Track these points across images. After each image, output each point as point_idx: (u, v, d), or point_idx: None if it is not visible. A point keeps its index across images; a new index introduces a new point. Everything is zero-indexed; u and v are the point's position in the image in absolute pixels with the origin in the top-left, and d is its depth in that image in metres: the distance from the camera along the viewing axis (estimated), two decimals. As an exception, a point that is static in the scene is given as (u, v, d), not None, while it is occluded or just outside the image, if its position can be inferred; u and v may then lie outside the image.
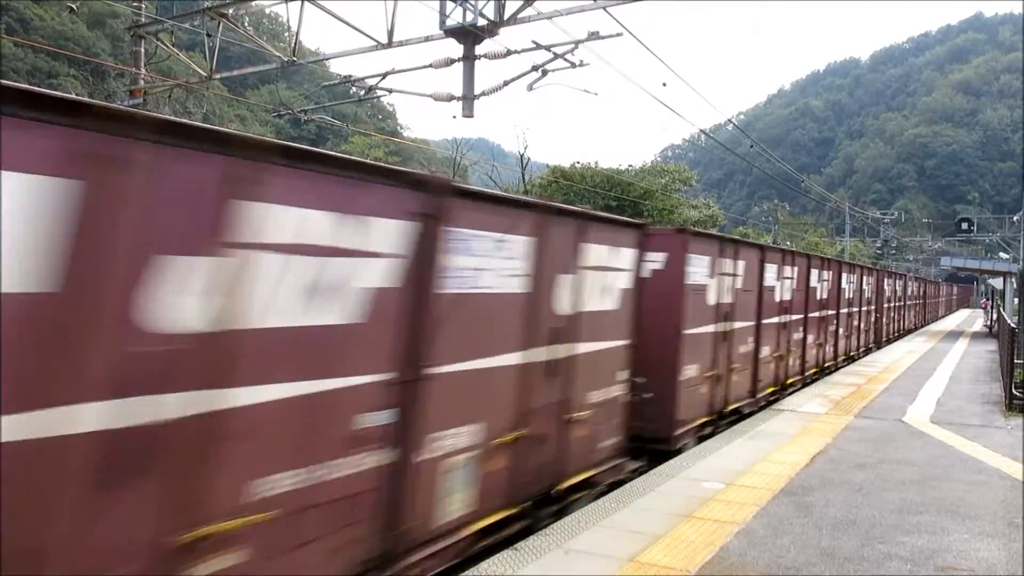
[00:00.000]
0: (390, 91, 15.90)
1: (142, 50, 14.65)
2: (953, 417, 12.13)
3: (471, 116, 12.87)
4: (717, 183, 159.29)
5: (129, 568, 3.17)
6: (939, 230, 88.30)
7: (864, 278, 22.57)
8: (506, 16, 11.98)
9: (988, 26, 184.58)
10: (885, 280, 26.70)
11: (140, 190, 3.12)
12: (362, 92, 16.36)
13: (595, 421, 7.28)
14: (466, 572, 5.27)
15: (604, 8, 11.71)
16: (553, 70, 13.86)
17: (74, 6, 17.87)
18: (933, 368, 19.39)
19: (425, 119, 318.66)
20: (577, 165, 38.76)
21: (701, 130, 32.11)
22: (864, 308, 22.70)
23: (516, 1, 11.89)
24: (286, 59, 14.71)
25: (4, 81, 2.72)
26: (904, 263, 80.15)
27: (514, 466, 6.01)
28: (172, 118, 3.39)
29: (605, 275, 7.41)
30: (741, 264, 11.74)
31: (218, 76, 15.77)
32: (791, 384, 14.77)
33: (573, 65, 13.67)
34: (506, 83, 13.84)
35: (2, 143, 2.68)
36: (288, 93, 62.10)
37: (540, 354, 6.28)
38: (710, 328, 10.57)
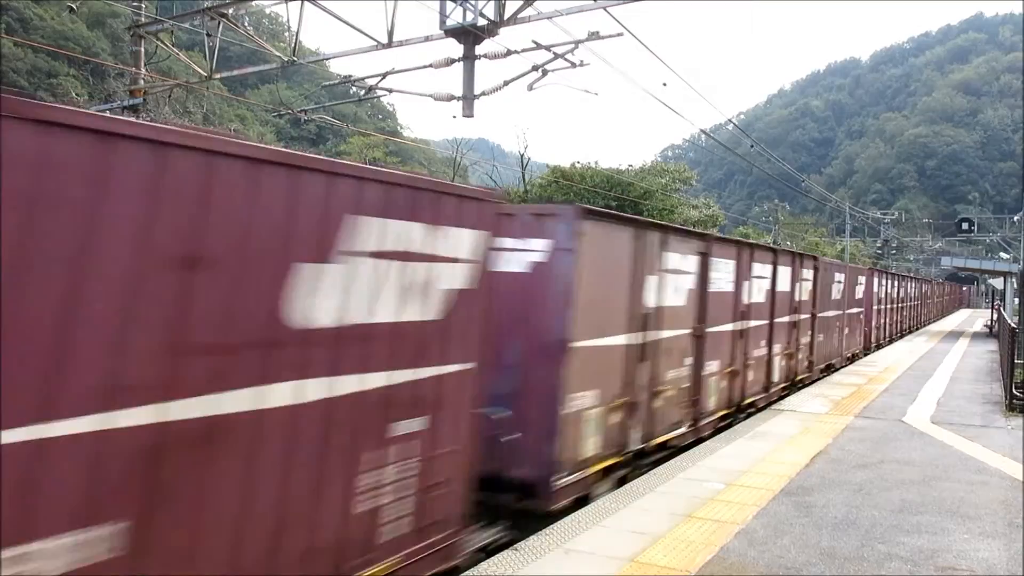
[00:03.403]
0: (390, 91, 15.89)
1: (142, 50, 14.63)
2: (953, 417, 12.13)
3: (471, 116, 12.86)
4: (717, 183, 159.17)
5: None
6: (939, 230, 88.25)
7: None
8: (506, 16, 11.96)
9: (988, 26, 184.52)
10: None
11: None
12: (362, 92, 16.35)
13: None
14: (467, 572, 5.27)
15: (604, 8, 11.70)
16: (553, 70, 13.84)
17: (74, 6, 17.87)
18: (933, 368, 19.37)
19: (425, 119, 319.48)
20: (577, 165, 38.75)
21: (701, 130, 32.05)
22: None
23: (516, 1, 11.87)
24: (286, 59, 14.69)
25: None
26: (904, 263, 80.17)
27: None
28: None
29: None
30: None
31: (218, 76, 15.75)
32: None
33: (573, 65, 13.65)
34: (506, 83, 13.83)
35: None
36: (288, 93, 62.09)
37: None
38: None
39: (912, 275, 46.35)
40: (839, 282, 18.01)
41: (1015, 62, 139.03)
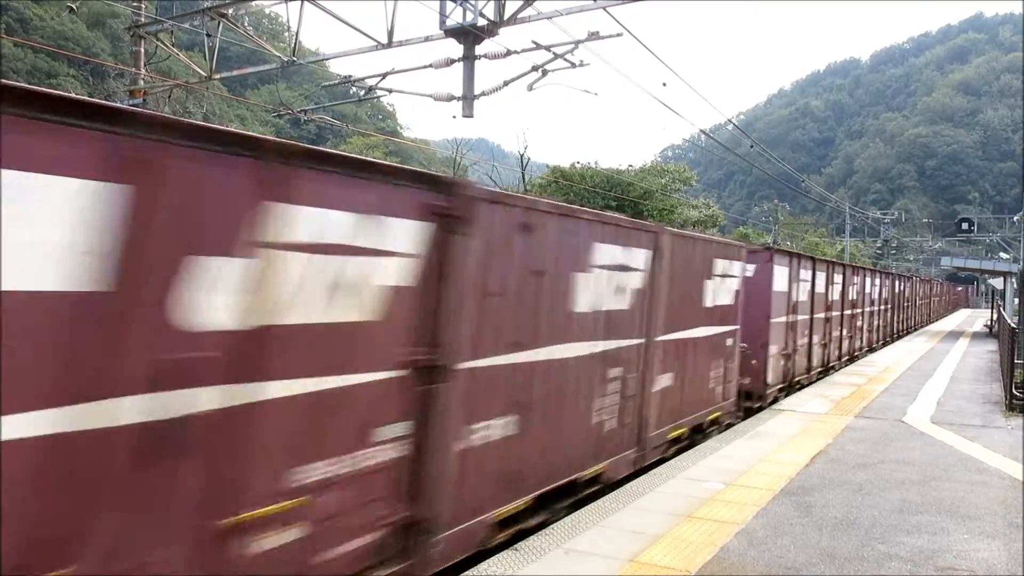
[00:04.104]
0: (390, 91, 15.90)
1: (142, 50, 14.64)
2: (953, 417, 12.13)
3: (471, 116, 12.87)
4: (717, 183, 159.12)
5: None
6: (939, 230, 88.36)
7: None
8: (506, 16, 11.97)
9: (988, 26, 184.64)
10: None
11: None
12: (362, 92, 16.36)
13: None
14: (466, 572, 5.27)
15: (604, 8, 11.71)
16: (553, 70, 13.85)
17: (74, 6, 17.87)
18: (933, 368, 19.38)
19: (425, 119, 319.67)
20: (577, 165, 38.76)
21: (701, 130, 31.98)
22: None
23: (516, 1, 11.89)
24: (286, 59, 14.70)
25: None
26: (904, 263, 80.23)
27: None
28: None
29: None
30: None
31: (218, 76, 15.75)
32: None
33: (573, 65, 13.66)
34: (506, 83, 13.83)
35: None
36: (288, 93, 62.14)
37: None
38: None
39: (878, 268, 34.26)
40: (634, 269, 8.01)
41: (1015, 62, 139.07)
